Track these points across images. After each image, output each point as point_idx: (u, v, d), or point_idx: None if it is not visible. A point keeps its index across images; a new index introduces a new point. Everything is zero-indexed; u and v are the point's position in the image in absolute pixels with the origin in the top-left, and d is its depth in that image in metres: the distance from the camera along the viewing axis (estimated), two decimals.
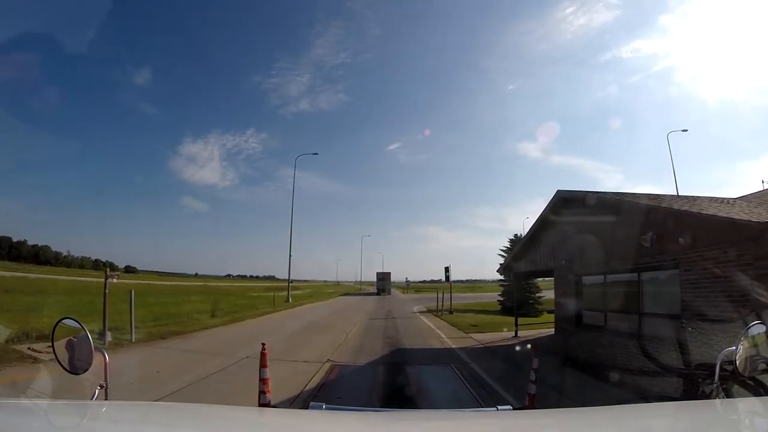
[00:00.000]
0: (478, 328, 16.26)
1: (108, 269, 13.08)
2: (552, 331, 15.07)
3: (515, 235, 30.10)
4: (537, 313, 27.42)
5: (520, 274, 14.71)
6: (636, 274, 8.44)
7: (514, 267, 14.44)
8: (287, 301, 30.42)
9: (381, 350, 11.20)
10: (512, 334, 14.47)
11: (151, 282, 56.13)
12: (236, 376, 8.61)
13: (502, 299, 29.24)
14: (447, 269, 23.80)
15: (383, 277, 58.28)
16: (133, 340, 12.04)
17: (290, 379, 8.28)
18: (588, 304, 10.19)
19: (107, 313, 12.27)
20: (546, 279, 24.54)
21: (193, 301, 26.31)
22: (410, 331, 15.37)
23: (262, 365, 6.55)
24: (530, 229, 12.43)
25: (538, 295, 28.45)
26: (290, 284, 33.60)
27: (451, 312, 22.37)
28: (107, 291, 12.51)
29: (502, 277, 37.19)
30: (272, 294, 34.07)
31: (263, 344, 6.65)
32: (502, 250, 30.66)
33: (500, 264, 31.65)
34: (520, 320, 23.25)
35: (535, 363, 6.42)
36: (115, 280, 13.26)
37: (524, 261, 13.13)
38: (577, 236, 9.89)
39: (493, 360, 10.33)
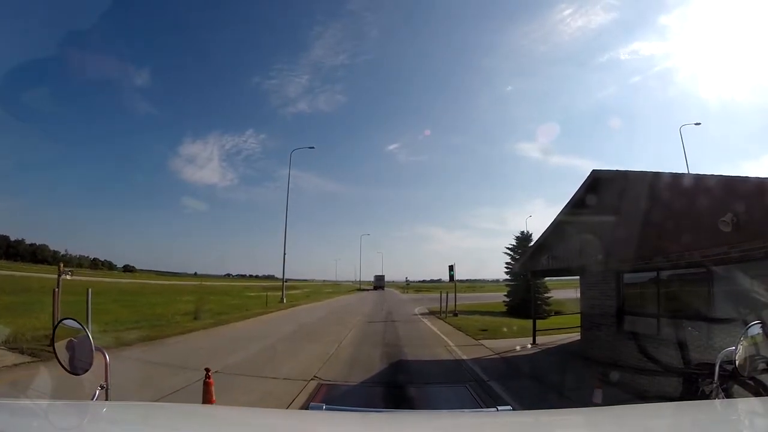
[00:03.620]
0: (488, 333, 14.23)
1: (61, 264, 11.11)
2: (574, 336, 13.12)
3: (522, 232, 28.20)
4: (545, 315, 25.49)
5: (537, 273, 12.62)
6: (705, 270, 6.50)
7: (531, 265, 12.44)
8: (281, 301, 28.36)
9: (379, 363, 9.20)
10: (529, 340, 12.47)
11: (145, 281, 54.31)
12: (197, 397, 6.62)
13: (508, 300, 27.26)
14: (451, 268, 21.69)
15: (380, 278, 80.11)
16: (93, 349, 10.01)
17: (262, 406, 6.29)
18: (632, 306, 8.23)
19: (58, 315, 10.37)
20: (562, 279, 22.61)
21: (182, 302, 24.39)
22: (413, 338, 13.34)
23: (206, 400, 4.61)
24: (554, 221, 10.41)
25: (546, 295, 26.48)
26: (284, 284, 31.43)
27: (455, 314, 20.32)
28: (58, 289, 10.58)
29: (506, 277, 35.39)
30: (267, 294, 32.21)
31: (207, 371, 4.70)
32: (507, 248, 28.73)
33: (506, 263, 29.69)
34: (527, 322, 21.34)
35: (598, 397, 4.51)
36: (68, 277, 11.34)
37: (545, 257, 11.12)
38: (619, 225, 7.93)
39: (515, 376, 8.35)
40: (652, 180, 7.28)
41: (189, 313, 18.55)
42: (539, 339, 12.63)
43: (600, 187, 8.58)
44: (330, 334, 13.52)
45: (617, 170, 8.15)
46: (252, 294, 38.39)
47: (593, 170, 8.63)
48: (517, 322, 19.41)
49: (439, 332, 14.76)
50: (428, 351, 10.93)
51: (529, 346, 11.82)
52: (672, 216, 6.78)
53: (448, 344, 12.02)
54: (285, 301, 28.66)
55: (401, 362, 9.27)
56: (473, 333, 14.21)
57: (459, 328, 15.58)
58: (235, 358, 9.69)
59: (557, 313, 25.02)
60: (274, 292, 32.77)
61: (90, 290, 11.30)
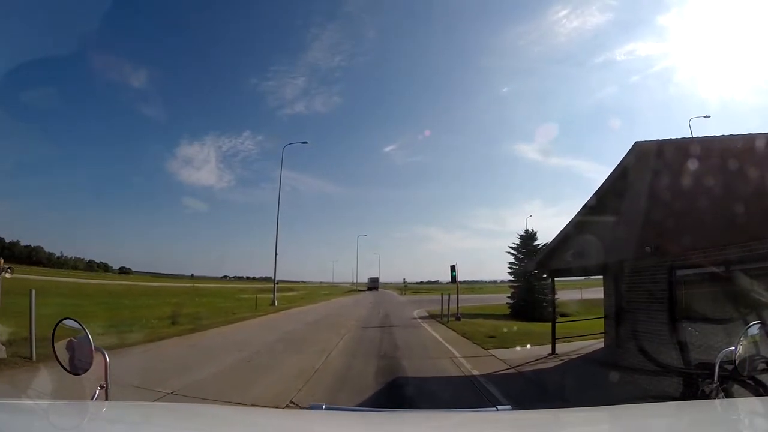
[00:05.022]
0: (497, 340, 12.45)
1: (1, 260, 9.26)
2: (595, 343, 11.37)
3: (526, 231, 26.44)
4: (550, 318, 23.72)
5: (557, 272, 10.80)
6: None
7: (550, 263, 10.69)
8: (272, 304, 26.45)
9: (373, 382, 7.38)
10: (546, 349, 10.69)
11: (134, 283, 52.33)
12: None
13: (512, 302, 25.49)
14: (453, 268, 19.83)
15: (373, 280, 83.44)
16: (34, 358, 8.38)
17: None
18: (691, 310, 6.47)
19: None
20: (567, 279, 20.82)
21: (168, 304, 22.61)
22: (413, 347, 11.48)
23: None
24: (583, 209, 8.68)
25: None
26: (276, 285, 29.48)
27: (458, 318, 18.50)
28: None
29: (506, 278, 33.61)
30: (261, 296, 30.36)
31: None
32: (511, 247, 26.95)
33: (509, 263, 27.68)
34: (535, 326, 19.53)
35: None
36: (7, 275, 9.53)
37: (570, 253, 9.35)
38: (675, 208, 6.21)
39: (543, 399, 6.56)
40: (725, 146, 5.55)
41: (170, 317, 16.82)
42: (559, 347, 10.84)
43: (646, 162, 6.83)
44: (318, 343, 11.68)
45: (672, 139, 6.41)
46: (245, 296, 36.49)
47: (636, 142, 6.89)
48: (525, 327, 17.65)
49: (442, 340, 12.93)
50: (431, 364, 9.11)
51: (548, 355, 10.04)
52: (757, 191, 5.06)
53: (454, 355, 10.20)
54: (276, 303, 26.74)
55: (400, 380, 7.47)
56: (480, 340, 12.41)
57: (463, 335, 13.77)
58: (201, 374, 7.91)
59: (563, 315, 23.32)
60: (267, 294, 30.93)
61: (33, 291, 9.44)
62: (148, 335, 12.32)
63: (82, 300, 26.17)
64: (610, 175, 7.76)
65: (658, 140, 6.71)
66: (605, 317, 10.89)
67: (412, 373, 8.03)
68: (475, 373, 8.19)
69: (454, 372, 8.36)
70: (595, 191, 8.25)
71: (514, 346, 11.36)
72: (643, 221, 6.93)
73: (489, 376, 7.90)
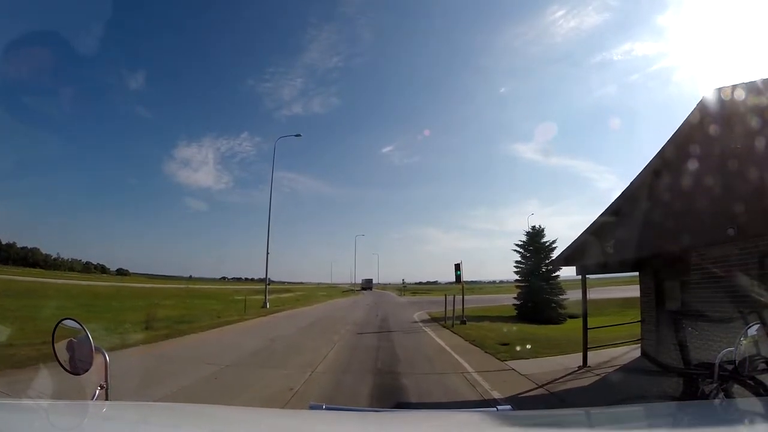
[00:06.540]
0: (511, 348, 10.61)
1: None
2: (629, 350, 9.61)
3: (533, 227, 24.64)
4: (561, 320, 22.00)
5: (590, 267, 8.94)
6: None
7: (579, 257, 8.87)
8: (264, 306, 24.57)
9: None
10: (572, 359, 8.89)
11: (125, 284, 50.39)
12: None
13: (518, 303, 23.65)
14: (458, 267, 17.92)
15: (368, 281, 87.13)
16: None
17: None
18: None
19: None
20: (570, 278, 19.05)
21: (156, 306, 20.90)
22: (415, 358, 9.59)
23: None
24: (624, 194, 6.90)
25: (562, 297, 22.95)
26: (267, 287, 27.59)
27: (463, 321, 16.65)
28: None
29: (504, 279, 31.74)
30: (254, 297, 28.58)
31: None
32: (517, 245, 25.09)
33: (515, 261, 25.53)
34: (548, 330, 17.76)
35: None
36: None
37: (609, 244, 7.53)
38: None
39: None
40: None
41: (149, 321, 15.09)
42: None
43: (717, 117, 5.08)
44: (305, 353, 9.86)
45: (757, 80, 4.65)
46: (240, 297, 34.68)
47: (717, 88, 5.11)
48: (537, 331, 15.85)
49: (448, 348, 11.06)
50: (439, 383, 7.27)
51: (579, 368, 8.23)
52: None
53: (465, 369, 8.36)
54: (268, 305, 24.86)
55: (401, 407, 5.67)
56: (493, 348, 10.59)
57: (472, 341, 11.93)
58: (149, 398, 6.13)
59: (571, 317, 21.62)
60: (262, 296, 29.13)
61: None
62: (112, 343, 10.52)
63: (65, 302, 24.46)
64: (665, 145, 6.00)
65: (738, 83, 4.94)
66: (642, 321, 9.14)
67: (415, 397, 6.21)
68: (496, 395, 6.38)
69: (469, 394, 6.53)
70: (641, 169, 6.48)
71: (534, 356, 9.55)
72: (718, 196, 5.16)
73: (515, 401, 6.08)
